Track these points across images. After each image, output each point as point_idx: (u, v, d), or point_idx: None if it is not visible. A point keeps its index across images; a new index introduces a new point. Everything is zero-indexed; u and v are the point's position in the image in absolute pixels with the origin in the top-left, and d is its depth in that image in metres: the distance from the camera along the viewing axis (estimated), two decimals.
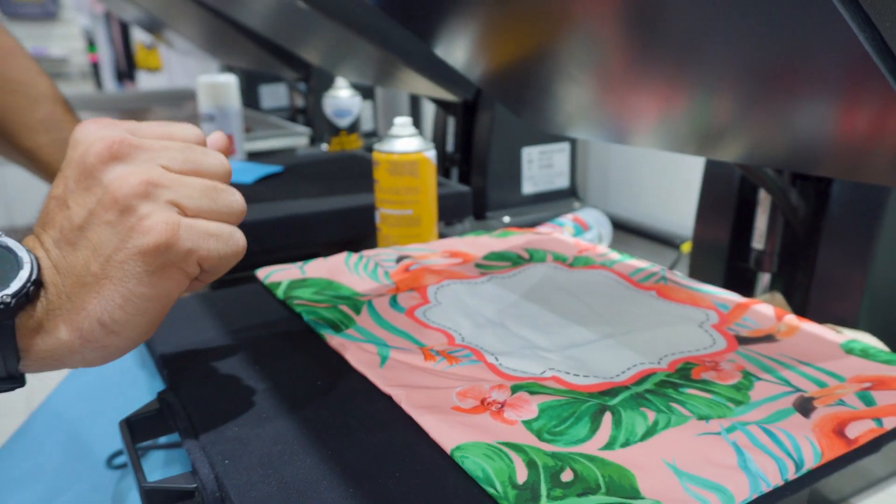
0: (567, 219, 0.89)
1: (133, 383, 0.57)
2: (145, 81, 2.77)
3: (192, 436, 0.35)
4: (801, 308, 0.57)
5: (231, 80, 1.06)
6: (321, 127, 1.42)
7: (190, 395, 0.39)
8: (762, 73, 0.37)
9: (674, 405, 0.37)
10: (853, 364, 0.42)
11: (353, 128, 1.20)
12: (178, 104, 1.75)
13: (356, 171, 0.95)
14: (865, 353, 0.43)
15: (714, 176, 0.62)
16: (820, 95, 0.37)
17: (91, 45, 3.61)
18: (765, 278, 0.58)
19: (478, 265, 0.59)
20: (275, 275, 0.56)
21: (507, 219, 0.95)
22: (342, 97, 1.18)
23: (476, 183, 0.97)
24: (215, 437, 0.35)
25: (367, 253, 0.62)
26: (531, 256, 0.61)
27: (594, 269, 0.58)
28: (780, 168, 0.54)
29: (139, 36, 2.72)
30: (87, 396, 0.57)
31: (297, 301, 0.51)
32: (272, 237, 0.73)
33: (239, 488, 0.31)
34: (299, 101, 1.54)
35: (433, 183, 0.72)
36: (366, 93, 1.55)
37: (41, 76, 0.69)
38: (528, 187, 0.99)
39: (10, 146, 0.68)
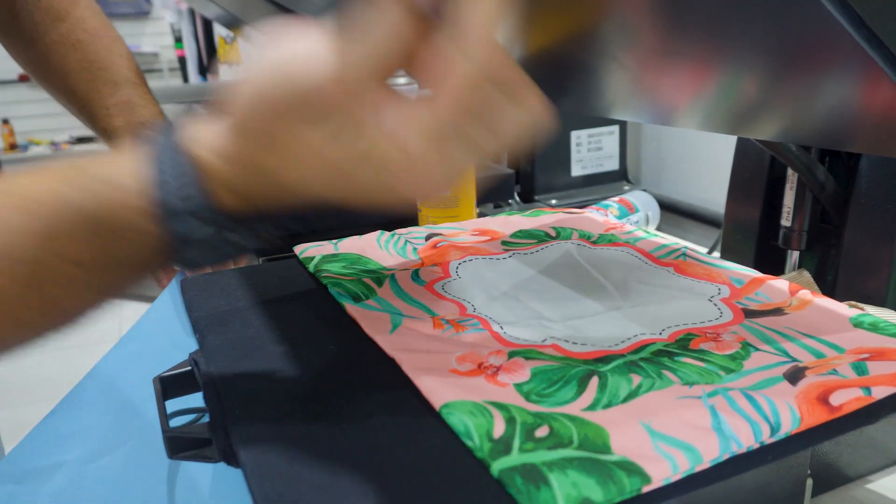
0: (613, 201, 0.90)
1: (184, 350, 0.61)
2: (226, 74, 2.89)
3: (212, 390, 0.39)
4: (831, 285, 0.56)
5: None
6: None
7: (214, 355, 0.42)
8: (782, 52, 0.37)
9: (665, 372, 0.38)
10: (859, 337, 0.41)
11: None
12: None
13: None
14: (874, 327, 0.43)
15: (745, 154, 0.61)
16: (830, 72, 0.37)
17: (178, 41, 3.77)
18: (794, 256, 0.58)
19: (504, 242, 0.61)
20: (310, 250, 0.60)
21: (554, 201, 0.96)
22: (399, 85, 1.21)
23: (524, 166, 0.99)
24: (232, 392, 0.38)
25: (399, 231, 0.64)
26: (558, 234, 0.62)
27: (617, 245, 0.58)
28: (809, 145, 0.54)
29: (221, 31, 2.84)
30: (135, 363, 0.61)
31: (325, 274, 0.54)
32: (318, 217, 0.77)
33: (243, 437, 0.34)
34: None
35: None
36: None
37: (123, 59, 0.72)
38: (578, 170, 1.00)
39: (91, 125, 0.73)
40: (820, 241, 0.58)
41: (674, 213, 1.03)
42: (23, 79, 4.44)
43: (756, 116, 0.48)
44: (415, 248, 0.60)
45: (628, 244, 0.59)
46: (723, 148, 0.98)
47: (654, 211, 0.93)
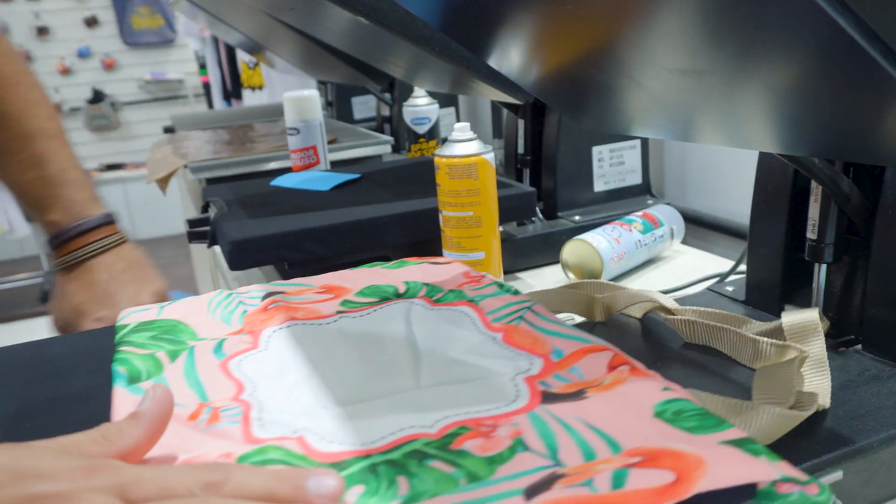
0: (636, 215, 0.89)
1: None
2: (249, 99, 2.93)
3: None
4: (861, 298, 0.56)
5: (314, 95, 1.12)
6: (404, 135, 1.46)
7: None
8: (800, 68, 0.37)
9: (399, 479, 0.35)
10: (649, 431, 0.37)
11: (432, 134, 1.24)
12: (276, 119, 1.85)
13: (428, 175, 0.98)
14: (676, 417, 0.38)
15: (767, 168, 0.61)
16: (849, 87, 0.37)
17: (202, 67, 3.84)
18: (822, 269, 0.57)
19: (344, 302, 0.58)
20: (131, 316, 0.56)
21: (577, 218, 0.96)
22: (420, 105, 1.23)
23: (546, 183, 0.99)
24: None
25: (241, 289, 0.61)
26: (408, 289, 0.60)
27: (459, 305, 0.56)
28: (833, 158, 0.53)
29: (244, 56, 2.88)
30: None
31: (123, 348, 0.50)
32: (341, 241, 0.77)
33: None
34: (385, 111, 1.60)
35: (493, 185, 0.74)
36: (449, 100, 1.59)
37: (39, 107, 0.67)
38: (600, 185, 1.00)
39: (2, 178, 0.68)
40: (848, 252, 0.57)
41: (699, 225, 1.02)
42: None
43: (777, 132, 0.47)
44: (244, 312, 0.57)
45: (472, 303, 0.56)
46: (748, 159, 0.97)
47: (679, 224, 0.92)
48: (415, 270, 0.64)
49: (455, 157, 0.72)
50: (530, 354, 0.48)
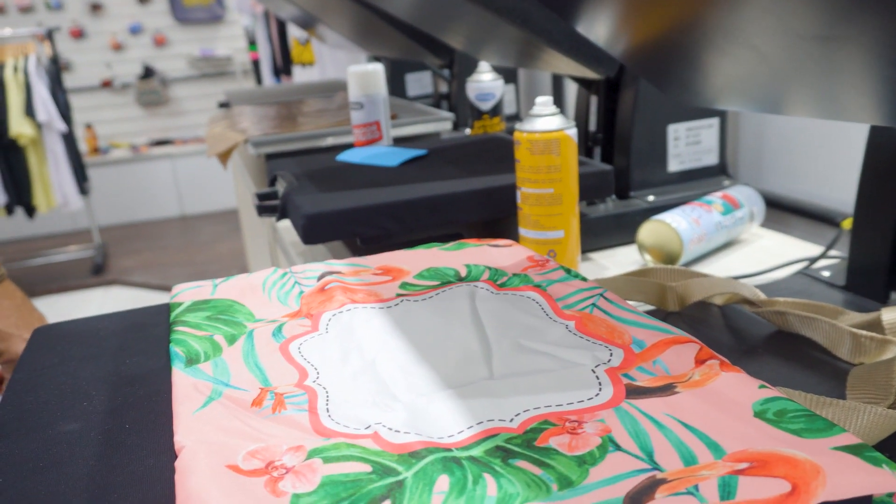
0: (716, 196, 0.86)
1: None
2: (299, 75, 2.92)
3: None
4: None
5: (378, 69, 1.10)
6: (464, 112, 1.44)
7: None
8: None
9: (486, 476, 0.32)
10: (752, 433, 0.34)
11: (496, 111, 1.21)
12: (330, 95, 1.84)
13: (498, 152, 0.96)
14: (779, 418, 0.35)
15: (880, 144, 0.57)
16: None
17: (252, 44, 3.85)
18: None
19: (403, 284, 0.56)
20: (185, 293, 0.55)
21: (651, 198, 0.92)
22: (485, 81, 1.20)
23: (619, 162, 0.96)
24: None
25: (295, 269, 0.59)
26: (469, 272, 0.57)
27: (525, 290, 0.53)
28: None
29: (295, 32, 2.88)
30: None
31: (179, 328, 0.50)
32: (415, 217, 0.76)
33: None
34: (443, 87, 1.58)
35: (574, 161, 0.71)
36: (508, 76, 1.55)
37: None
38: (675, 165, 0.96)
39: None
40: None
41: (777, 208, 0.98)
42: (105, 84, 4.60)
43: None
44: (301, 292, 0.55)
45: (538, 288, 0.53)
46: (829, 137, 0.93)
47: (759, 207, 0.88)
48: (474, 253, 0.62)
49: (537, 132, 0.70)
50: (609, 345, 0.45)
